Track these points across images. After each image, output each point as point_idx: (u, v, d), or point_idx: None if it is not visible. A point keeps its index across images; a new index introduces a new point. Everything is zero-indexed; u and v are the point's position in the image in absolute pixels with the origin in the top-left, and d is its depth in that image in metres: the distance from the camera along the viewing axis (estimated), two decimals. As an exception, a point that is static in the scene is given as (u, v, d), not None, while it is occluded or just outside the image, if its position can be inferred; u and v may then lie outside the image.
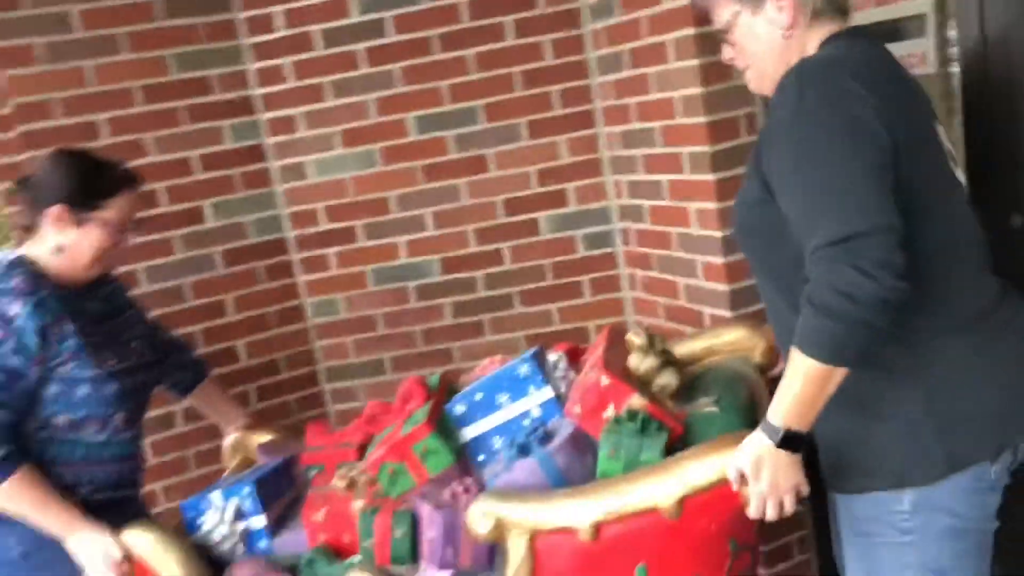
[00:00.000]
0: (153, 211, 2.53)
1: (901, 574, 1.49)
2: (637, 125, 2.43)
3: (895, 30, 1.91)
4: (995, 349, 1.45)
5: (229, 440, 2.30)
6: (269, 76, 2.61)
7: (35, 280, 1.84)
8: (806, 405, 1.38)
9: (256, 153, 2.66)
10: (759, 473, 1.44)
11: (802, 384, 1.36)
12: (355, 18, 2.56)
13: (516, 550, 1.64)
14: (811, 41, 1.51)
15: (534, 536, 1.63)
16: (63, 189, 1.86)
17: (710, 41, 2.00)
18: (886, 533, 1.49)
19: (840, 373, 1.34)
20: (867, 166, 1.32)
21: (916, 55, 1.87)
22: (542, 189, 2.66)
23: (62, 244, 1.87)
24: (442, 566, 1.78)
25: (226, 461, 2.29)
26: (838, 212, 1.30)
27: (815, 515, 2.40)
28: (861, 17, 2.00)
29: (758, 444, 1.43)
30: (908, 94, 1.46)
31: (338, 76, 2.60)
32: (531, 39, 2.56)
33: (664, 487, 1.57)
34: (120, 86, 2.48)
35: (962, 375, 1.43)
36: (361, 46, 2.58)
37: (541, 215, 2.67)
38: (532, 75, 2.58)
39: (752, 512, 1.49)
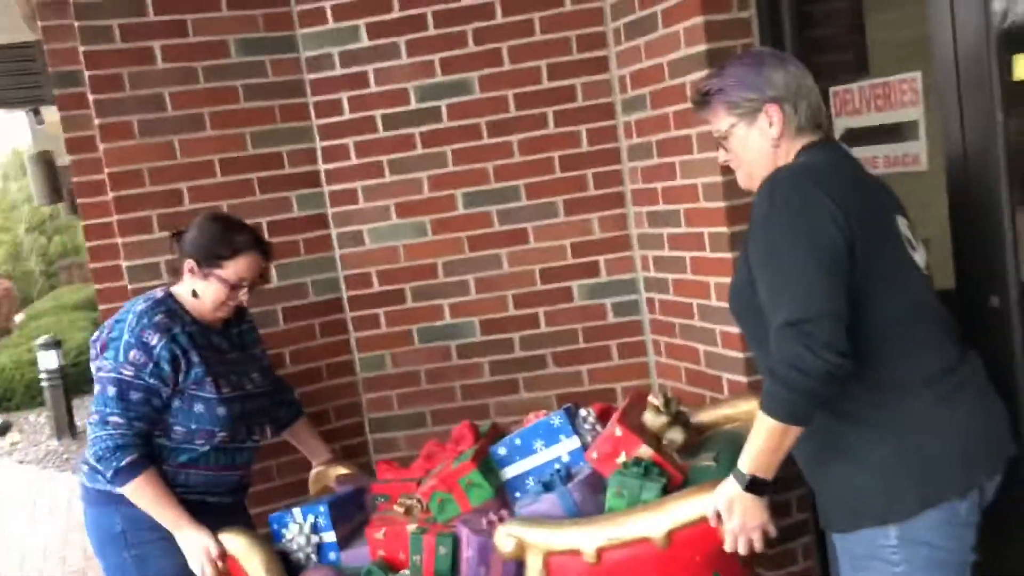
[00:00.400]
0: (225, 270, 2.82)
1: None
2: (663, 207, 2.69)
3: (893, 132, 2.16)
4: (956, 401, 1.67)
5: (314, 472, 2.60)
6: (334, 153, 2.91)
7: (173, 317, 2.22)
8: (768, 455, 1.65)
9: (319, 221, 2.93)
10: (731, 513, 1.71)
11: (764, 439, 1.64)
12: (413, 105, 2.86)
13: (533, 566, 1.88)
14: (793, 149, 1.76)
15: (548, 556, 1.87)
16: (196, 247, 2.24)
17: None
18: (879, 566, 1.69)
19: (795, 431, 1.61)
20: (819, 264, 1.58)
21: (911, 155, 2.12)
22: (576, 260, 2.90)
23: (195, 290, 2.25)
24: (478, 584, 2.01)
25: (311, 490, 2.58)
26: (791, 300, 1.58)
27: (817, 527, 2.57)
28: (865, 120, 2.26)
29: (730, 488, 1.70)
30: (867, 194, 1.71)
31: (395, 155, 2.89)
32: (570, 128, 2.83)
33: (656, 521, 1.81)
34: (202, 159, 2.78)
35: (927, 423, 1.65)
36: (417, 130, 2.87)
37: (574, 283, 2.91)
38: (569, 160, 2.85)
39: (727, 546, 1.74)
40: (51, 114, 6.49)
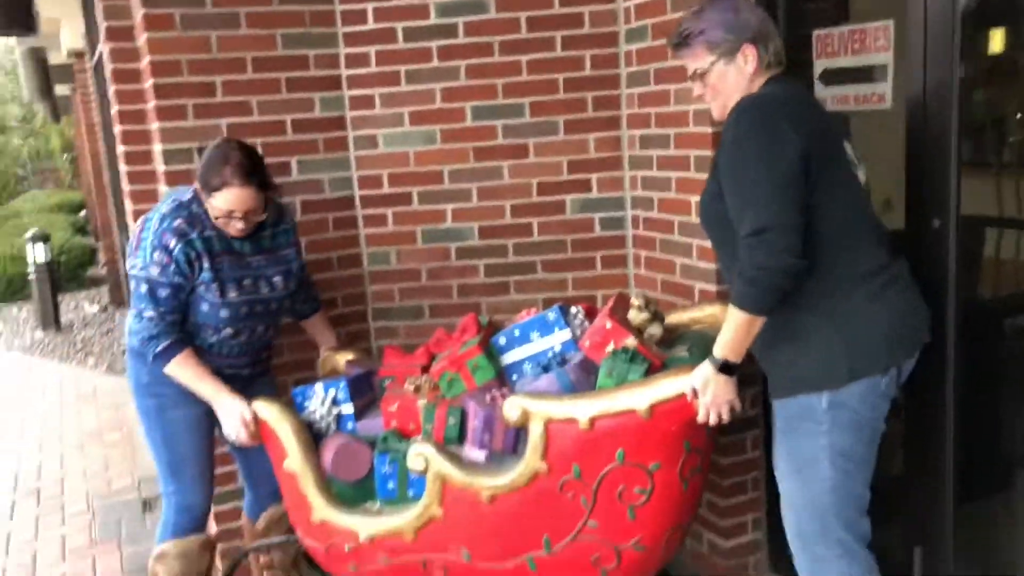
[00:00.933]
0: (249, 161, 3.05)
1: (817, 455, 2.03)
2: (655, 130, 2.96)
3: (863, 74, 2.44)
4: (886, 294, 2.01)
5: (322, 356, 2.89)
6: (356, 60, 3.13)
7: (192, 222, 2.43)
8: (738, 343, 1.97)
9: (338, 122, 3.16)
10: (705, 390, 2.03)
11: (735, 329, 1.96)
12: (433, 20, 3.07)
13: (535, 432, 2.19)
14: (759, 81, 2.05)
15: (548, 423, 2.18)
16: (199, 171, 2.44)
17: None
18: (809, 426, 2.04)
19: (759, 321, 1.94)
20: (777, 179, 1.87)
21: (878, 94, 2.41)
22: (571, 177, 3.16)
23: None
24: (480, 447, 2.33)
25: (319, 371, 2.86)
26: (754, 212, 1.87)
27: (768, 504, 2.94)
28: (841, 62, 2.54)
29: (705, 370, 2.03)
30: (819, 120, 2.01)
31: (412, 66, 3.11)
32: (575, 52, 3.07)
33: (641, 396, 2.13)
34: (236, 55, 2.98)
35: (861, 311, 1.99)
36: (434, 43, 3.09)
37: (567, 198, 3.18)
38: (572, 82, 3.09)
39: (700, 418, 2.06)
40: (46, 7, 6.50)
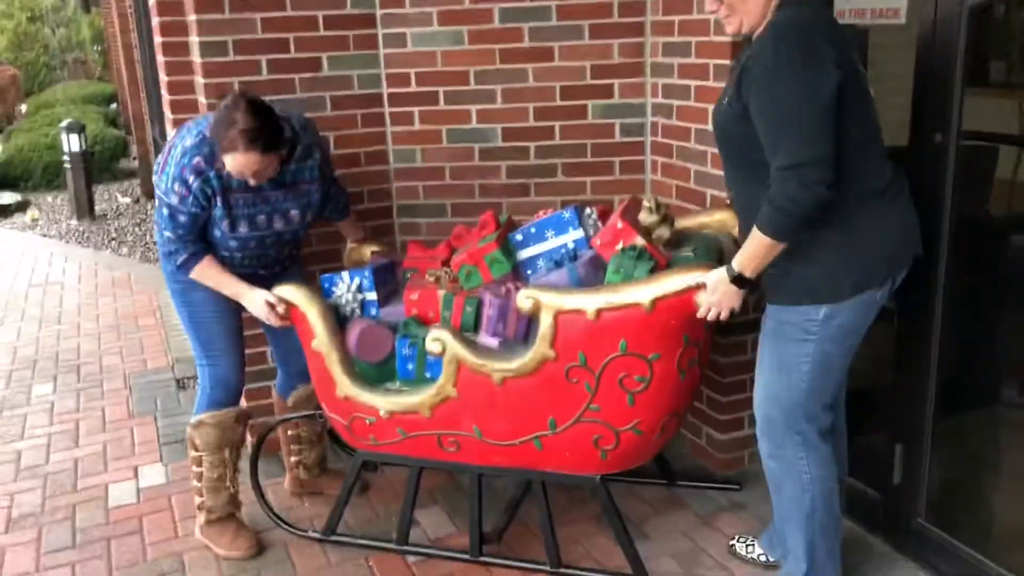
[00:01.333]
0: (282, 55, 3.16)
1: (802, 360, 2.19)
2: (677, 38, 3.03)
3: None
4: (890, 211, 2.11)
5: (349, 247, 3.06)
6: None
7: (210, 160, 2.50)
8: (756, 261, 2.08)
9: (369, 20, 3.24)
10: (715, 292, 2.18)
11: (755, 248, 2.06)
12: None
13: (545, 321, 2.35)
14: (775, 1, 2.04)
15: (558, 314, 2.33)
16: (211, 127, 2.47)
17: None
18: (798, 334, 2.18)
19: (780, 246, 2.03)
20: (815, 110, 1.89)
21: (892, 9, 2.46)
22: (594, 81, 3.24)
23: None
24: (494, 335, 2.50)
25: (345, 262, 3.03)
26: (793, 144, 1.91)
27: None
28: (861, -25, 2.58)
29: (720, 275, 2.16)
30: (848, 47, 2.03)
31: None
32: (603, -43, 3.13)
33: (645, 291, 2.27)
34: (271, -48, 3.07)
35: (868, 229, 2.08)
36: None
37: (590, 103, 3.26)
38: (600, -14, 3.15)
39: (700, 314, 2.22)
40: None
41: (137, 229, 7.83)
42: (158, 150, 8.18)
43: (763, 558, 2.65)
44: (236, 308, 2.79)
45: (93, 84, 16.93)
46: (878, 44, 2.77)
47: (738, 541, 2.73)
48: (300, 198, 2.70)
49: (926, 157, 2.34)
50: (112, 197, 9.34)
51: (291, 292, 2.67)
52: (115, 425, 3.88)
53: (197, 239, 2.63)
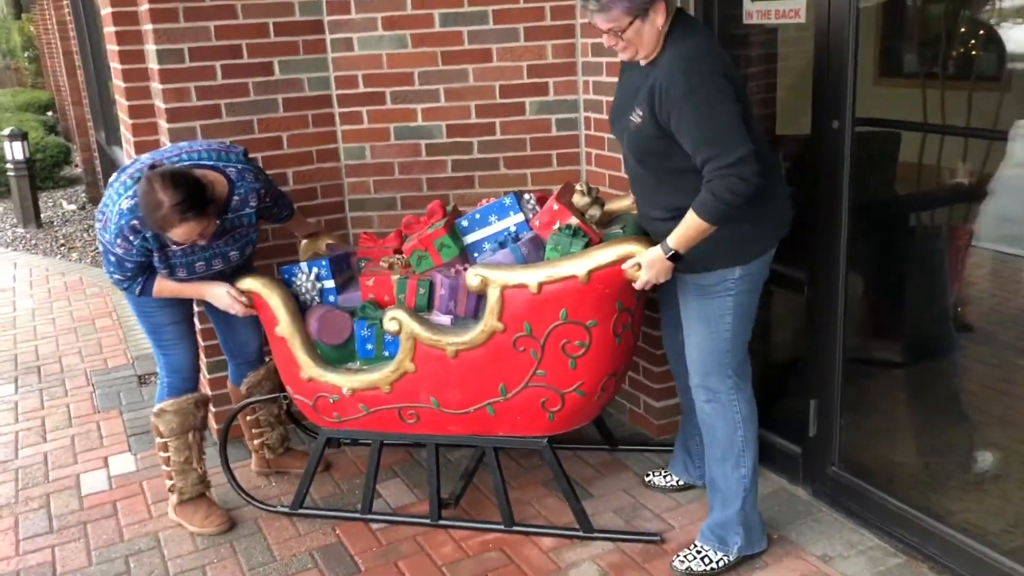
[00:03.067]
0: (235, 61, 3.34)
1: (725, 312, 2.51)
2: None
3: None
4: (778, 186, 2.47)
5: (304, 241, 3.25)
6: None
7: (143, 223, 2.60)
8: (689, 240, 2.38)
9: (317, 26, 3.44)
10: (650, 267, 2.46)
11: (691, 230, 2.35)
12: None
13: (492, 296, 2.59)
14: (664, 27, 2.32)
15: (504, 289, 2.58)
16: (141, 215, 2.57)
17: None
18: (720, 292, 2.50)
19: (712, 228, 2.33)
20: (733, 116, 2.23)
21: (794, 10, 2.75)
22: (530, 80, 3.48)
23: None
24: (446, 312, 2.74)
25: (302, 255, 3.22)
26: (725, 145, 2.23)
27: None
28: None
29: (656, 253, 2.45)
30: (734, 64, 2.37)
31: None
32: (535, -36, 3.37)
33: (581, 264, 2.53)
34: (221, -38, 3.25)
35: (767, 202, 2.42)
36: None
37: (527, 100, 3.51)
38: (532, -8, 3.40)
39: (638, 285, 2.50)
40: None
41: (85, 235, 7.86)
42: (103, 156, 8.23)
43: (678, 482, 3.09)
44: (184, 299, 2.97)
45: (27, 91, 16.69)
46: (784, 40, 3.07)
47: (653, 475, 3.13)
48: (239, 240, 2.85)
49: (825, 142, 2.63)
50: (57, 204, 9.33)
51: (253, 283, 2.87)
52: (81, 420, 4.02)
53: (145, 269, 2.79)
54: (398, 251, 3.03)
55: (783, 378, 3.27)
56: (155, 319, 2.94)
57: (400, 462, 3.41)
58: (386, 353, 2.85)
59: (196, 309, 3.24)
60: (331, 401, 2.87)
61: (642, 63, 2.42)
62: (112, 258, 2.73)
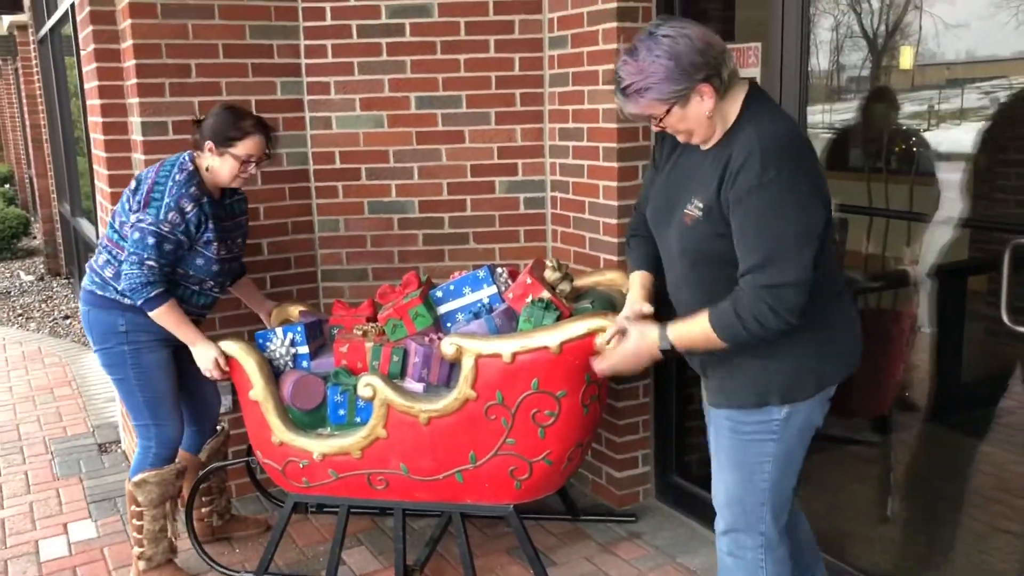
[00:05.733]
0: (217, 135, 3.47)
1: (764, 459, 2.09)
2: (571, 125, 3.48)
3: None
4: (849, 310, 2.12)
5: (275, 309, 3.31)
6: (315, 51, 3.56)
7: (202, 189, 2.83)
8: (691, 343, 2.04)
9: (297, 104, 3.59)
10: (636, 346, 2.14)
11: (697, 335, 2.00)
12: (383, 20, 3.53)
13: (467, 365, 2.69)
14: (733, 104, 1.94)
15: (478, 358, 2.68)
16: (213, 131, 2.81)
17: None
18: (759, 434, 2.07)
19: (720, 346, 1.95)
20: (803, 234, 1.83)
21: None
22: (500, 161, 3.65)
23: (210, 166, 2.85)
24: (419, 380, 2.82)
25: (273, 321, 3.28)
26: (778, 262, 1.83)
27: (655, 442, 3.50)
28: (723, 74, 3.09)
29: (652, 335, 2.10)
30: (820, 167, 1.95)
31: (364, 59, 3.56)
32: (506, 54, 3.56)
33: (553, 336, 2.64)
34: (209, 42, 3.38)
35: (835, 328, 2.06)
36: (384, 40, 3.55)
37: (497, 179, 3.67)
38: (503, 80, 3.58)
39: (602, 366, 2.29)
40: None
41: (44, 305, 7.81)
42: (64, 227, 8.22)
43: None
44: (176, 368, 2.99)
45: (-14, 162, 16.64)
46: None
47: None
48: (240, 228, 3.05)
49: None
50: (15, 275, 9.26)
51: (230, 346, 2.93)
52: (40, 487, 3.98)
53: (169, 276, 2.83)
54: (371, 319, 3.13)
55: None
56: (157, 389, 2.94)
57: (365, 530, 3.44)
58: (358, 419, 2.92)
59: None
60: (301, 466, 2.91)
61: (703, 147, 2.04)
62: (151, 240, 2.74)
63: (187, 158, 2.87)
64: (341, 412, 2.93)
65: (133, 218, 2.81)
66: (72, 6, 4.43)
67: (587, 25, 3.27)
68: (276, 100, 3.57)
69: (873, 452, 3.23)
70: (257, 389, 2.92)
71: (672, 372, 3.41)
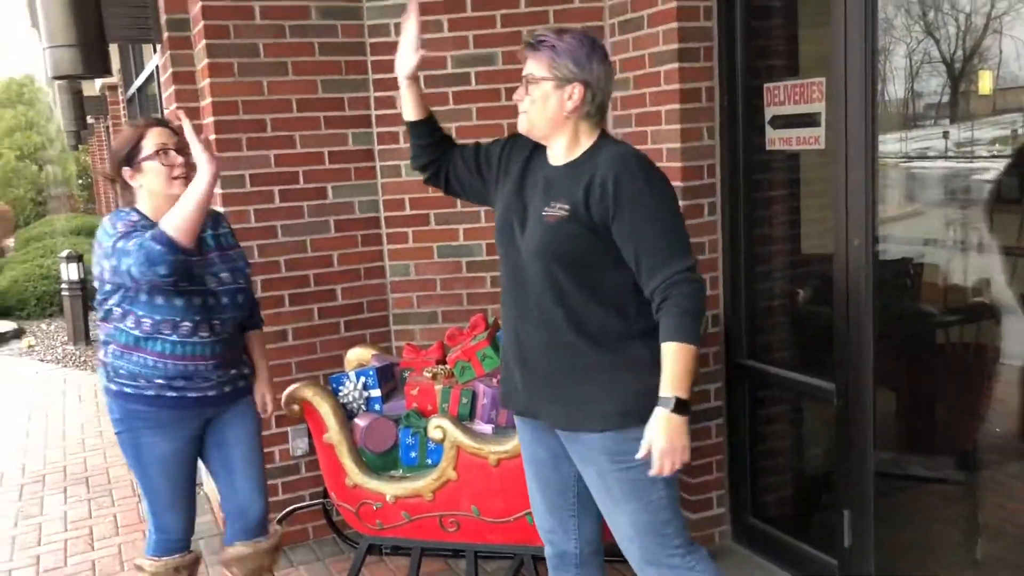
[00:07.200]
0: (292, 186, 3.60)
1: (655, 478, 2.04)
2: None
3: (803, 119, 2.98)
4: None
5: (354, 353, 3.36)
6: (384, 103, 3.67)
7: (137, 221, 2.48)
8: (687, 377, 1.99)
9: (368, 154, 3.70)
10: (665, 437, 1.97)
11: (682, 364, 1.97)
12: (449, 70, 3.62)
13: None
14: (584, 130, 2.13)
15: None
16: (115, 160, 2.56)
17: (689, 91, 3.10)
18: (628, 458, 2.06)
19: (696, 352, 2.00)
20: (683, 226, 2.08)
21: (813, 136, 2.95)
22: (565, 202, 3.71)
23: (145, 188, 2.54)
24: (488, 422, 2.86)
25: (347, 365, 3.36)
26: (682, 253, 2.03)
27: (730, 482, 3.44)
28: (785, 109, 3.08)
29: (659, 416, 1.98)
30: None
31: (432, 108, 3.66)
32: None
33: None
34: (283, 97, 3.53)
35: (657, 343, 2.06)
36: (450, 89, 3.64)
37: (563, 221, 3.72)
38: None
39: (655, 469, 1.99)
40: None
41: (132, 352, 8.12)
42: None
43: None
44: (188, 461, 2.71)
45: (79, 217, 17.46)
46: (806, 165, 3.26)
47: None
48: (227, 261, 2.67)
49: (848, 259, 2.78)
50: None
51: (305, 391, 3.01)
52: (127, 529, 4.12)
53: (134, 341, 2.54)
54: (440, 361, 3.18)
55: (816, 489, 3.31)
56: (153, 478, 2.67)
57: (438, 572, 3.45)
58: (429, 461, 2.96)
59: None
60: (374, 508, 2.96)
61: (552, 160, 2.18)
62: (120, 243, 2.38)
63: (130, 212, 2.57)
64: (413, 454, 2.98)
65: (95, 271, 2.54)
66: (157, 68, 4.65)
67: (649, 67, 3.30)
68: (348, 151, 3.68)
69: (959, 491, 3.12)
70: (332, 432, 2.99)
71: (745, 411, 3.37)
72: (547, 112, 2.12)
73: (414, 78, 2.36)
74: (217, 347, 2.62)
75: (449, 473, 2.84)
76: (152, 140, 2.54)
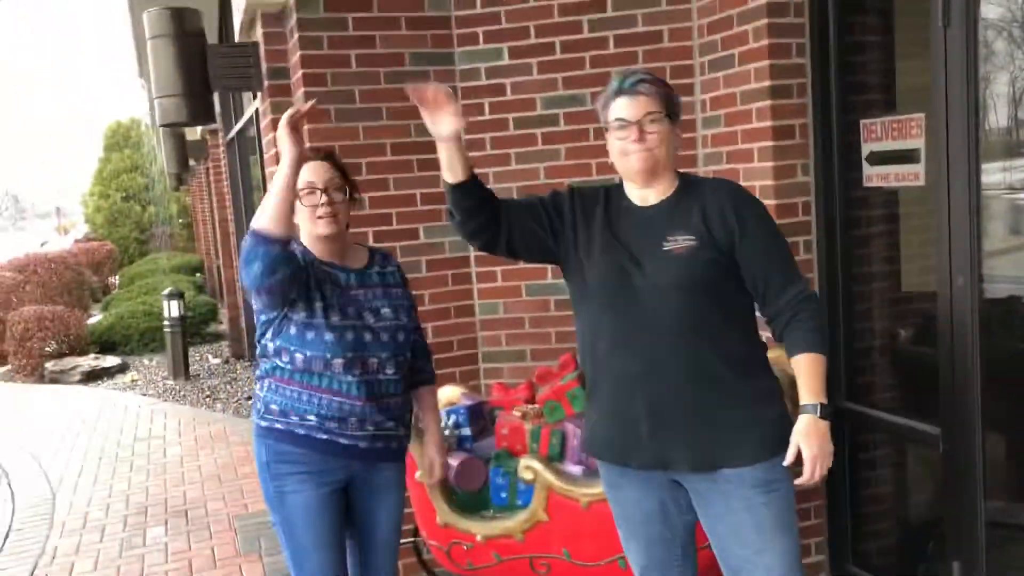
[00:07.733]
0: (385, 227, 3.68)
1: (792, 507, 2.17)
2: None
3: (903, 155, 2.91)
4: None
5: (444, 392, 3.33)
6: (475, 144, 3.70)
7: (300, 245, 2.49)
8: (823, 383, 2.08)
9: (458, 195, 3.78)
10: (813, 443, 2.03)
11: (820, 372, 2.08)
12: (538, 112, 3.66)
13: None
14: (672, 165, 2.21)
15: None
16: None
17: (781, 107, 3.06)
18: (782, 485, 2.13)
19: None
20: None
21: (913, 173, 2.87)
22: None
23: (298, 221, 2.47)
24: (578, 463, 2.84)
25: (439, 405, 3.37)
26: (799, 273, 2.19)
27: (829, 528, 3.33)
28: (884, 145, 3.01)
29: (806, 421, 2.05)
30: None
31: (521, 149, 3.69)
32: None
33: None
34: (378, 141, 3.63)
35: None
36: (539, 131, 3.68)
37: (652, 259, 3.70)
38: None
39: (806, 476, 2.04)
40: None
41: (228, 387, 8.37)
42: (247, 313, 8.85)
43: None
44: (336, 511, 2.52)
45: (180, 255, 18.19)
46: (905, 201, 3.17)
47: None
48: (389, 298, 2.59)
49: (951, 298, 2.68)
50: (204, 358, 10.00)
51: (396, 429, 3.05)
52: (224, 562, 4.22)
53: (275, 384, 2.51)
54: (529, 401, 3.18)
55: (921, 538, 3.17)
56: (300, 538, 2.49)
57: (529, 614, 3.43)
58: (519, 502, 2.95)
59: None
60: (465, 548, 2.96)
61: (640, 201, 2.20)
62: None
63: None
64: (503, 494, 2.98)
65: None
66: (256, 112, 4.86)
67: (740, 104, 3.28)
68: (439, 192, 3.70)
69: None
70: (423, 471, 3.01)
71: (844, 455, 3.26)
72: (669, 148, 2.18)
73: (457, 137, 2.18)
74: (374, 387, 2.48)
75: (540, 515, 2.82)
76: (302, 177, 2.45)
